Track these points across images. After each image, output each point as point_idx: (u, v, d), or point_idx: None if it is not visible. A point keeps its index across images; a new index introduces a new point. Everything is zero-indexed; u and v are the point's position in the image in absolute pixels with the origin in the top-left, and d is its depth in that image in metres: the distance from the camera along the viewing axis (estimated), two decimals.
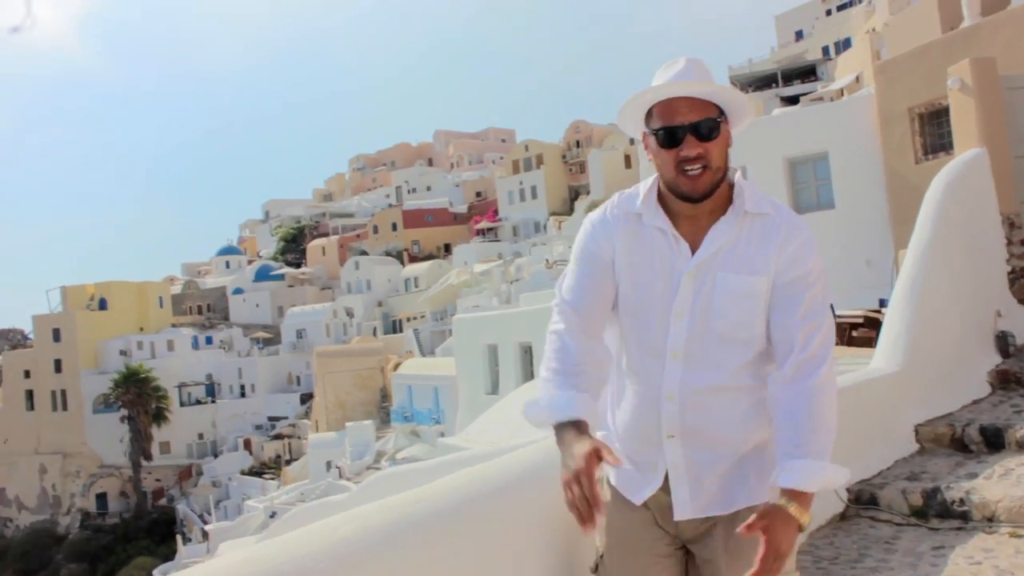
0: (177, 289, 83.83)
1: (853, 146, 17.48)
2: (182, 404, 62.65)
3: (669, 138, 2.03)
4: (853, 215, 17.50)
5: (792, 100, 44.40)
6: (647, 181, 2.20)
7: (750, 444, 2.12)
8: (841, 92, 33.39)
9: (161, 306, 72.67)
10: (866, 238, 17.03)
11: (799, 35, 71.80)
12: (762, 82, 57.74)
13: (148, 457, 57.89)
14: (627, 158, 65.00)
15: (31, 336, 71.19)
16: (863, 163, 17.27)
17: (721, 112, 2.08)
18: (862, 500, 4.92)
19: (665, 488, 2.13)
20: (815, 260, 2.08)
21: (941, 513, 4.64)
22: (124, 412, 57.50)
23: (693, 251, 2.09)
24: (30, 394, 63.92)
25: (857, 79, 33.50)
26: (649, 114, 2.10)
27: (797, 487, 1.88)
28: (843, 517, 4.81)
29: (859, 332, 10.93)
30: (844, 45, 54.20)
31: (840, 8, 68.45)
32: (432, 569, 1.94)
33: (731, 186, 2.13)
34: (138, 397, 57.12)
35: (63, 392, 62.81)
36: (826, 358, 2.02)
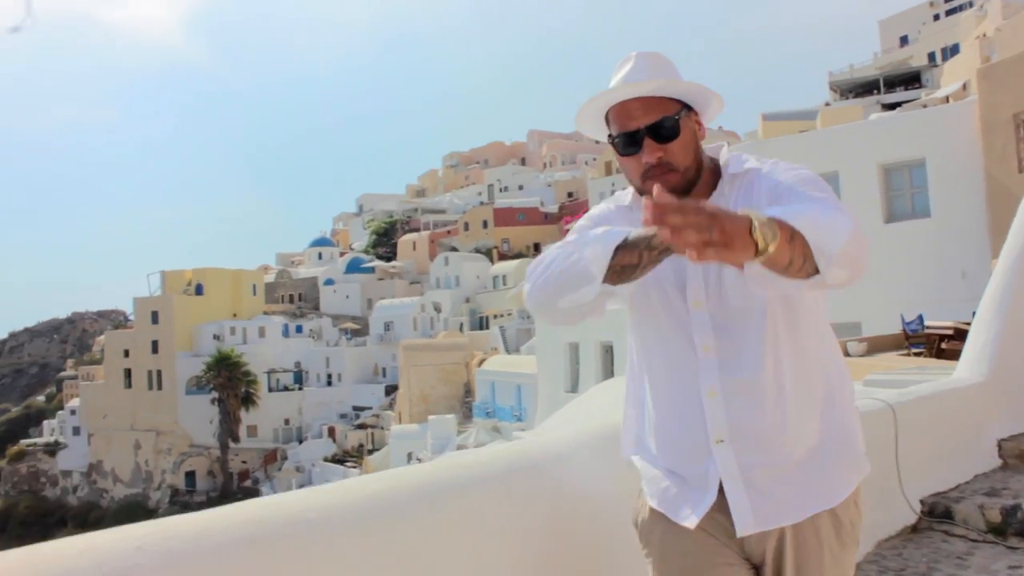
0: (271, 278, 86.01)
1: (952, 153, 16.91)
2: (270, 390, 64.22)
3: (626, 144, 1.90)
4: (949, 224, 16.92)
5: (895, 108, 43.08)
6: None
7: (806, 445, 1.89)
8: (947, 100, 32.25)
9: (254, 294, 74.68)
10: (962, 248, 16.45)
11: (904, 40, 69.75)
12: (863, 88, 56.26)
13: (236, 439, 59.48)
14: None
15: (132, 317, 74.05)
16: (962, 171, 16.68)
17: (685, 106, 1.93)
18: (936, 513, 4.74)
19: (720, 505, 1.87)
20: (818, 180, 1.87)
21: (1021, 531, 4.44)
22: (215, 394, 59.19)
23: None
24: (128, 373, 66.48)
25: (964, 87, 32.35)
26: (608, 119, 1.98)
27: (783, 218, 1.57)
28: (914, 529, 4.65)
29: (949, 344, 10.57)
30: (952, 51, 52.56)
31: (949, 13, 66.36)
32: (453, 529, 1.93)
33: (716, 168, 2.00)
34: (229, 381, 58.72)
35: (159, 372, 65.09)
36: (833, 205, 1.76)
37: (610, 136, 1.95)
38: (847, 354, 13.95)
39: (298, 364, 67.95)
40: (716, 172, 1.99)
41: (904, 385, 5.67)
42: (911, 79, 54.84)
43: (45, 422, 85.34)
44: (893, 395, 4.96)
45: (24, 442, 79.66)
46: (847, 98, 55.09)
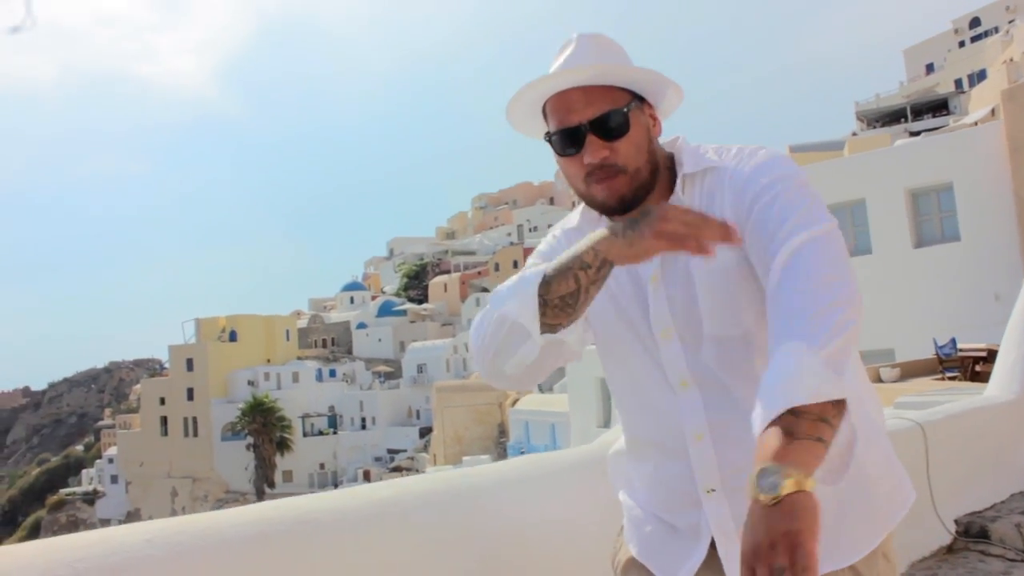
0: (303, 323, 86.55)
1: (980, 176, 16.79)
2: (305, 434, 64.36)
3: (565, 142, 1.60)
4: (980, 247, 16.74)
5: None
6: None
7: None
8: (975, 125, 32.10)
9: (288, 339, 75.18)
10: (994, 271, 16.25)
11: (930, 68, 69.58)
12: (890, 117, 56.08)
13: (271, 485, 59.56)
14: None
15: (167, 365, 74.73)
16: (991, 193, 16.54)
17: (636, 97, 1.63)
18: (971, 533, 4.67)
19: (710, 562, 1.62)
20: (783, 168, 1.58)
21: None
22: (250, 440, 59.38)
23: None
24: (164, 420, 67.03)
25: (992, 112, 32.15)
26: (545, 115, 1.66)
27: (793, 401, 1.26)
28: (950, 550, 4.58)
29: (983, 367, 10.42)
30: (979, 77, 52.33)
31: (975, 39, 66.15)
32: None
33: (670, 164, 1.70)
34: (263, 426, 58.92)
35: (194, 419, 65.55)
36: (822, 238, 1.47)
37: (547, 134, 1.65)
38: (879, 380, 13.78)
39: (332, 408, 68.14)
40: (673, 173, 1.69)
41: (934, 406, 5.61)
42: (939, 106, 54.62)
43: (84, 471, 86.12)
44: (922, 415, 4.91)
45: (63, 491, 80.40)
46: (874, 127, 54.95)
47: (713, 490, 1.60)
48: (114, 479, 71.83)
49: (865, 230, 19.32)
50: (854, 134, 53.46)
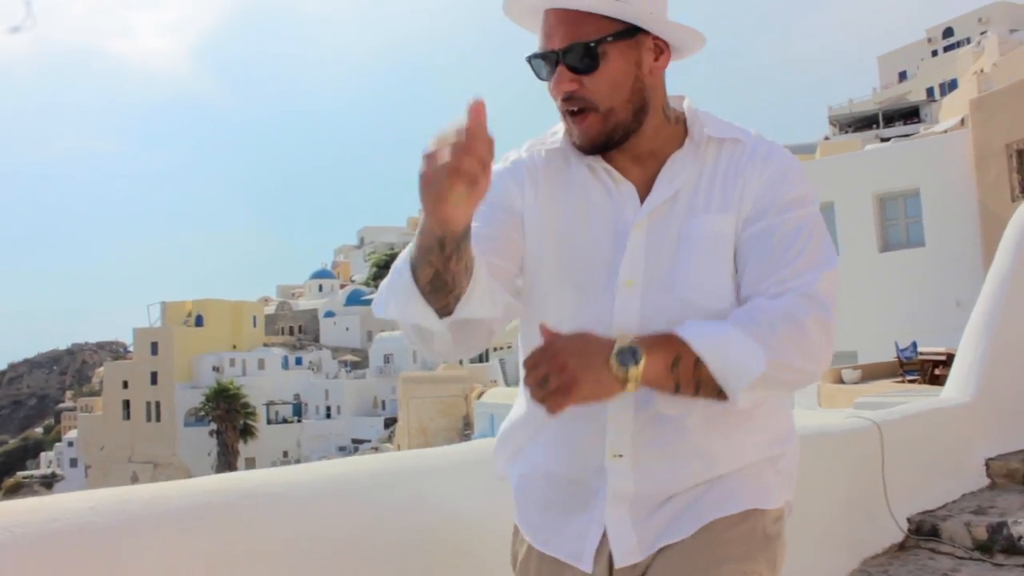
0: (271, 310, 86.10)
1: (946, 183, 17.05)
2: (269, 422, 64.00)
3: (539, 67, 1.51)
4: (944, 254, 17.00)
5: None
6: None
7: (727, 468, 1.52)
8: (944, 134, 32.55)
9: (255, 325, 74.70)
10: (957, 278, 16.49)
11: (903, 76, 70.36)
12: (863, 123, 56.65)
13: (234, 471, 59.09)
14: None
15: (131, 348, 73.98)
16: (956, 201, 16.80)
17: (628, 29, 1.48)
18: (923, 531, 4.74)
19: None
20: (801, 187, 1.53)
21: (1007, 549, 4.43)
22: (213, 426, 58.98)
23: (642, 198, 1.54)
24: (127, 404, 66.32)
25: (962, 121, 32.54)
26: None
27: (675, 329, 1.35)
28: (901, 547, 4.65)
29: (942, 370, 10.58)
30: (950, 87, 52.93)
31: (947, 49, 66.96)
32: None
33: (682, 120, 1.59)
34: (227, 413, 58.50)
35: (157, 404, 64.93)
36: (816, 295, 1.41)
37: (528, 58, 1.53)
38: (841, 381, 13.95)
39: (297, 396, 67.79)
40: (679, 128, 1.59)
41: (893, 406, 5.69)
42: (910, 114, 55.31)
43: (43, 454, 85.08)
44: (880, 415, 4.98)
45: (21, 474, 79.37)
46: (846, 132, 55.48)
47: (621, 455, 1.50)
48: (73, 463, 71.00)
49: (832, 233, 19.50)
50: (826, 138, 53.94)
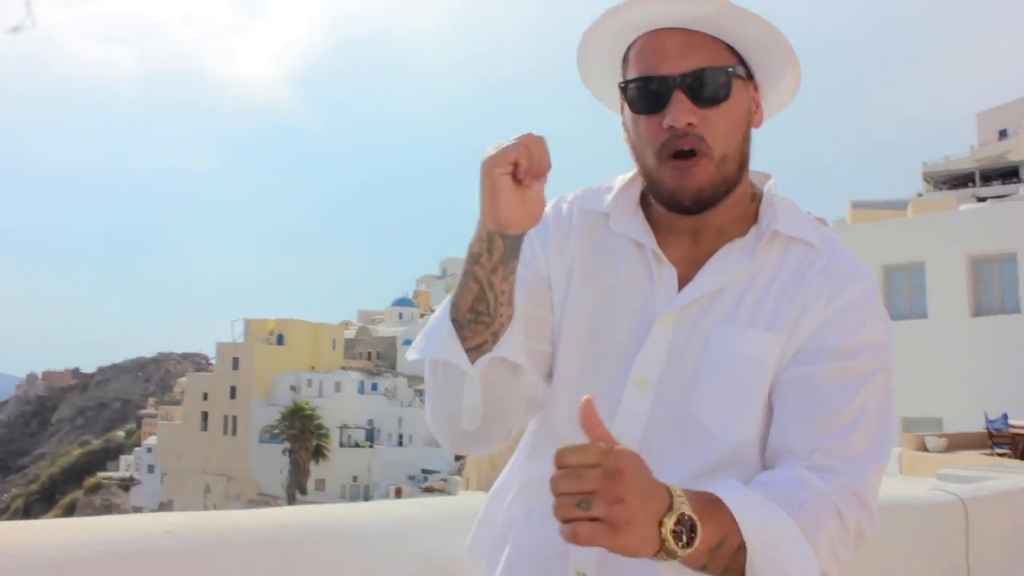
0: (351, 334, 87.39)
1: None
2: (341, 445, 64.71)
3: (645, 95, 1.26)
4: None
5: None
6: (627, 175, 1.41)
7: None
8: None
9: (334, 348, 75.91)
10: None
11: (1003, 134, 68.43)
12: (958, 181, 55.32)
13: (303, 491, 59.89)
14: None
15: (213, 362, 75.88)
16: None
17: (741, 62, 1.29)
18: None
19: None
20: (878, 330, 1.27)
21: None
22: (287, 445, 59.87)
23: (683, 284, 1.31)
24: (205, 415, 67.94)
25: None
26: (626, 62, 1.32)
27: (722, 496, 1.08)
28: None
29: None
30: None
31: None
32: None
33: (757, 200, 1.36)
34: (301, 433, 59.34)
35: (235, 418, 66.31)
36: (865, 496, 1.18)
37: (623, 82, 1.31)
38: (924, 449, 13.50)
39: (371, 422, 68.46)
40: (755, 199, 1.37)
41: (980, 481, 5.47)
42: (1009, 173, 53.80)
43: (122, 457, 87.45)
44: (966, 489, 4.78)
45: (101, 475, 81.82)
46: (941, 190, 54.20)
47: (584, 574, 1.28)
48: (151, 468, 72.85)
49: (922, 294, 19.00)
50: (919, 195, 52.73)
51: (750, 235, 1.32)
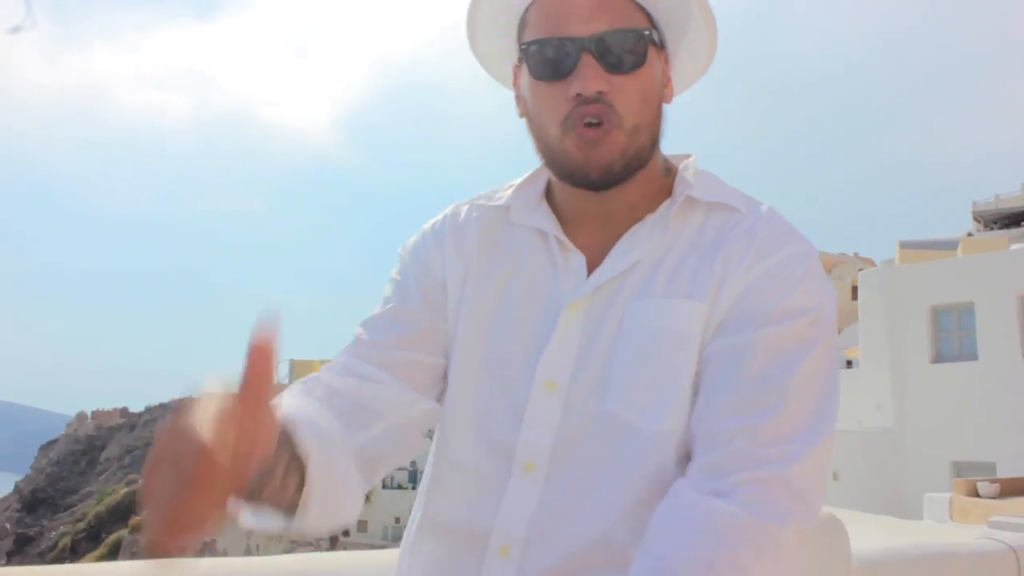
0: None
1: None
2: (384, 486, 64.69)
3: (549, 60, 1.10)
4: None
5: None
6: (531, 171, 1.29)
7: None
8: None
9: None
10: None
11: None
12: (1010, 220, 54.40)
13: (346, 533, 59.93)
14: (854, 289, 62.58)
15: None
16: None
17: (652, 25, 1.15)
18: None
19: None
20: (813, 293, 1.09)
21: None
22: None
23: (592, 272, 1.16)
24: None
25: None
26: (524, 24, 1.17)
27: None
28: None
29: None
30: None
31: None
32: None
33: (673, 174, 1.22)
34: None
35: None
36: (800, 485, 1.00)
37: (524, 45, 1.14)
38: (976, 494, 13.15)
39: (413, 463, 68.28)
40: (668, 183, 1.21)
41: None
42: None
43: None
44: (1019, 538, 4.66)
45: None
46: (992, 229, 53.34)
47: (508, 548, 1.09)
48: None
49: (972, 336, 18.61)
50: (969, 234, 51.95)
51: (662, 207, 1.17)
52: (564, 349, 1.13)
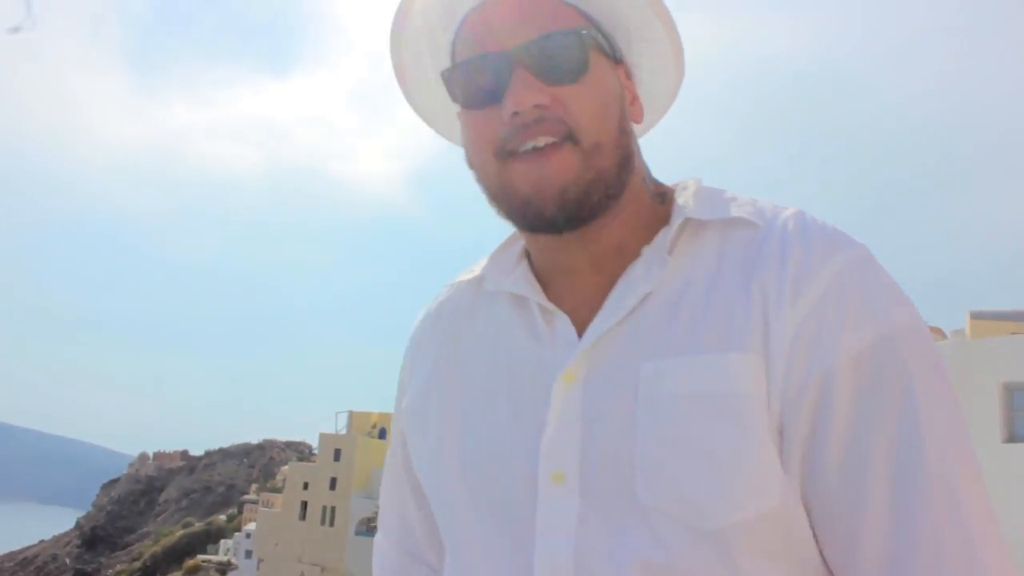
0: None
1: None
2: None
3: (475, 83, 0.93)
4: None
5: None
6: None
7: None
8: None
9: None
10: None
11: None
12: None
13: None
14: None
15: (315, 451, 76.84)
16: None
17: (604, 37, 0.96)
18: None
19: None
20: (896, 307, 0.84)
21: None
22: None
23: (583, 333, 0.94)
24: (304, 505, 68.47)
25: None
26: (453, 55, 0.99)
27: None
28: None
29: None
30: None
31: None
32: None
33: (669, 200, 0.99)
34: None
35: (333, 509, 66.66)
36: None
37: (445, 72, 0.97)
38: None
39: None
40: (663, 211, 0.99)
41: None
42: None
43: (222, 541, 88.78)
44: None
45: (201, 557, 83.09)
46: None
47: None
48: (248, 554, 73.60)
49: None
50: None
51: (659, 237, 0.95)
52: (565, 430, 0.89)
